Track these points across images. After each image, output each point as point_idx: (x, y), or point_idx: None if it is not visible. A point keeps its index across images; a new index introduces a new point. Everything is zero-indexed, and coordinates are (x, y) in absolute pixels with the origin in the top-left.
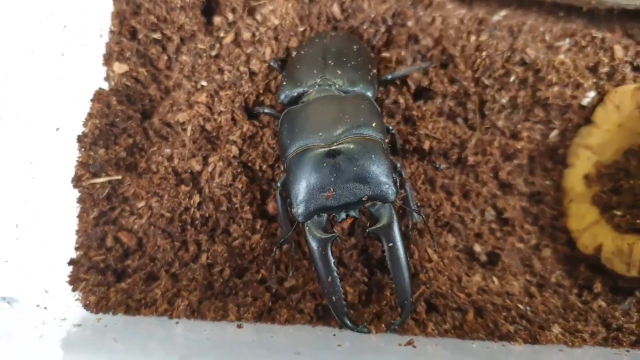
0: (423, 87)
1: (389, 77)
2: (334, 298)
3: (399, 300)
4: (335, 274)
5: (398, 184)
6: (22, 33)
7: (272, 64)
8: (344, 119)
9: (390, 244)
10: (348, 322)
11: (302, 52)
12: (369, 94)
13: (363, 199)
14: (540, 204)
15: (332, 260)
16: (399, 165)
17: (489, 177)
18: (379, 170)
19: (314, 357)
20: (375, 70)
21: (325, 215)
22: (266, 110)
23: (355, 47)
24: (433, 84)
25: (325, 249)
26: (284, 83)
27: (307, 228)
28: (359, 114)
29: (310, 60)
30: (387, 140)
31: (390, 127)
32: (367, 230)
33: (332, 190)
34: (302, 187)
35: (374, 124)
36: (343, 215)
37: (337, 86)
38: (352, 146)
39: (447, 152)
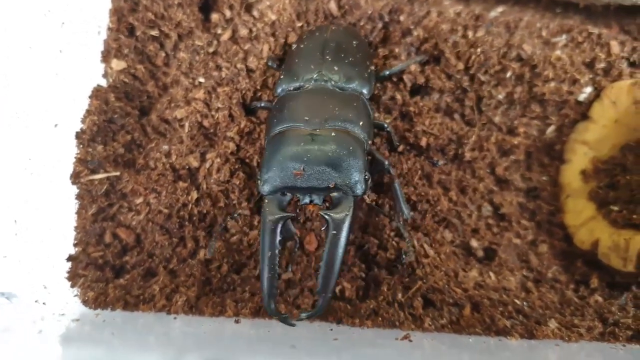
0: (420, 84)
1: (387, 72)
2: (267, 275)
3: (319, 289)
4: (277, 252)
5: (370, 182)
6: (21, 30)
7: (270, 63)
8: (333, 111)
9: (335, 232)
10: (272, 305)
11: (302, 46)
12: (365, 90)
13: (330, 185)
14: (537, 199)
15: (278, 238)
16: (387, 162)
17: (486, 173)
18: (353, 164)
19: (309, 350)
20: (373, 67)
21: (288, 196)
22: (263, 104)
23: (355, 42)
24: (430, 81)
25: (276, 226)
26: (282, 77)
27: (267, 201)
28: (349, 110)
29: (308, 54)
30: (370, 142)
31: (386, 125)
32: (320, 212)
33: (302, 169)
34: (274, 162)
35: (361, 123)
36: (307, 199)
37: (333, 82)
38: (333, 134)
39: (444, 148)
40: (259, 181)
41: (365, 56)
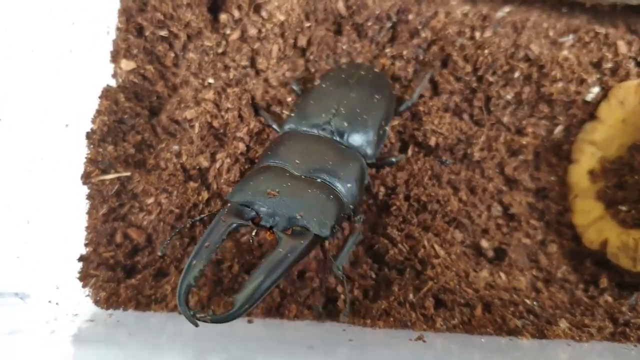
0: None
1: (404, 107)
2: (194, 262)
3: (240, 294)
4: (215, 249)
5: (336, 234)
6: (31, 31)
7: (294, 87)
8: (326, 164)
9: (280, 250)
10: (182, 292)
11: (323, 86)
12: (369, 152)
13: (297, 215)
14: (545, 199)
15: (222, 238)
16: (360, 217)
17: (495, 173)
18: (327, 208)
19: (327, 351)
20: (387, 127)
21: (252, 213)
22: (274, 126)
23: (377, 97)
24: (440, 85)
25: (227, 226)
26: (292, 115)
27: (229, 205)
28: (342, 170)
29: (325, 100)
30: (351, 207)
31: (394, 159)
32: (274, 230)
33: (277, 191)
34: (252, 179)
35: (349, 185)
36: (269, 222)
37: (338, 138)
38: (317, 182)
39: (453, 148)
40: (230, 191)
41: (383, 114)
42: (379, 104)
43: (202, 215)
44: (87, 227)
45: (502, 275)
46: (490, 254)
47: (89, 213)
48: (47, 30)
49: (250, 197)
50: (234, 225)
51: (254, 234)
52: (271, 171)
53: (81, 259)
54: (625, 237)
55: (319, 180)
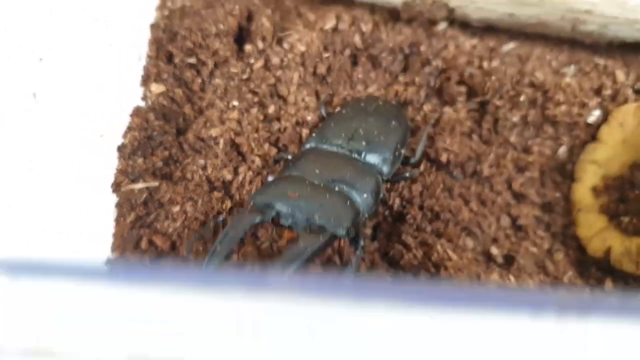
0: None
1: (414, 159)
2: (218, 248)
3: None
4: (236, 237)
5: (351, 236)
6: (69, 53)
7: (321, 109)
8: (344, 175)
9: (300, 243)
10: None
11: (344, 112)
12: (384, 170)
13: (316, 216)
14: (551, 213)
15: (245, 230)
16: (362, 242)
17: (504, 188)
18: (344, 211)
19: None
20: (403, 150)
21: (273, 213)
22: (289, 157)
23: (394, 123)
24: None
25: (248, 220)
26: (313, 135)
27: (251, 204)
28: (359, 181)
29: (345, 122)
30: (365, 217)
31: (408, 174)
32: (293, 229)
33: (297, 194)
34: (273, 183)
35: (365, 196)
36: (289, 221)
37: (356, 155)
38: (335, 190)
39: (464, 165)
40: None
41: (399, 138)
42: (395, 129)
43: (226, 216)
44: (114, 234)
45: (512, 278)
46: (500, 259)
47: (116, 220)
48: (84, 54)
49: (272, 198)
50: (256, 220)
51: (274, 234)
52: (292, 179)
53: (108, 262)
54: (628, 243)
55: (336, 188)
